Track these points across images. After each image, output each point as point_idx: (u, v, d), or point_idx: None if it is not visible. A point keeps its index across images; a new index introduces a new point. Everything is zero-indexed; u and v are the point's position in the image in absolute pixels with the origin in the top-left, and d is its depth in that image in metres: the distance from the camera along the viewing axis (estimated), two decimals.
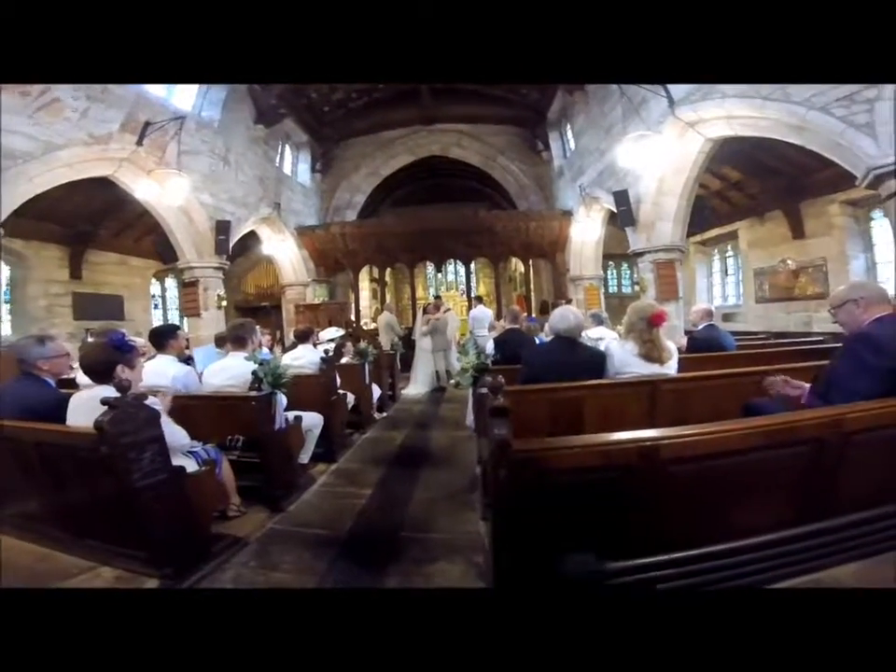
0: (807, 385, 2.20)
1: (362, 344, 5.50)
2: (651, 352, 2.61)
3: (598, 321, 4.67)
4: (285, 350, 5.79)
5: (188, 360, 3.64)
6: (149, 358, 3.13)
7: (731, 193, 9.64)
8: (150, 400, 2.09)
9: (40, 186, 5.44)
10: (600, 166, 8.94)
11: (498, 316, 8.85)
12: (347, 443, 4.46)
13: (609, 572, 1.59)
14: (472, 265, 13.52)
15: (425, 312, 7.91)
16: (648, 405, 2.63)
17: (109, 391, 1.96)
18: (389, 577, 2.16)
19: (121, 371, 2.12)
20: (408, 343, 8.34)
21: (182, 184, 6.63)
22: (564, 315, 2.82)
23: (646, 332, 2.63)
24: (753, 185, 9.05)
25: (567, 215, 10.82)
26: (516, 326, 4.49)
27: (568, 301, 10.44)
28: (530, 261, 12.65)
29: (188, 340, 4.95)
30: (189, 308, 8.11)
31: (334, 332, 6.22)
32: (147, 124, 6.49)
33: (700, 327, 4.32)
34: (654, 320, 2.60)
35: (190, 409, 2.88)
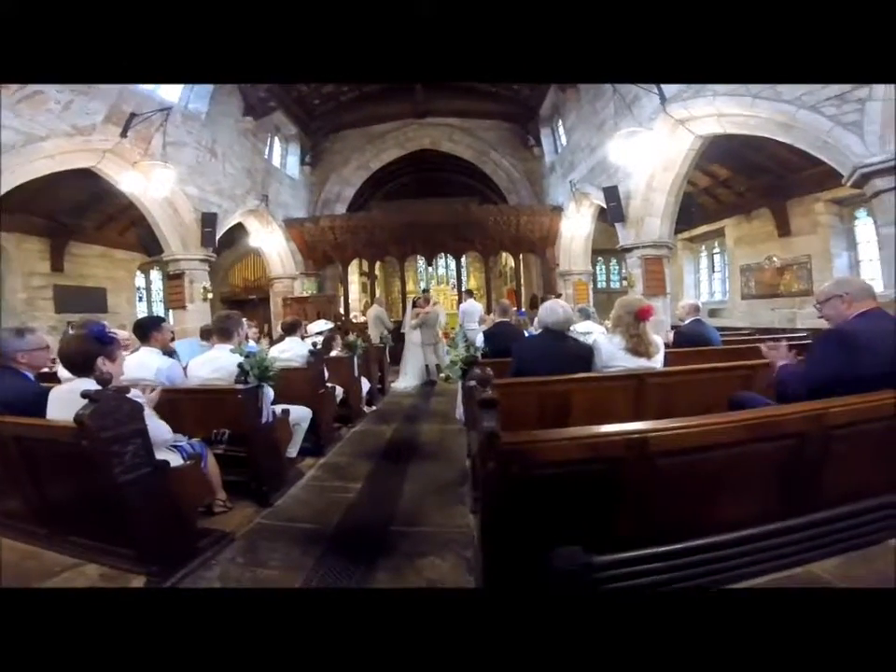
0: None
1: (351, 337, 5.47)
2: (638, 346, 2.64)
3: (586, 315, 4.69)
4: (273, 343, 5.74)
5: (173, 353, 3.58)
6: (133, 351, 3.08)
7: (719, 190, 9.74)
8: (133, 393, 2.05)
9: (20, 177, 5.33)
10: (591, 162, 8.96)
11: (489, 310, 8.86)
12: (336, 437, 4.43)
13: (596, 566, 1.60)
14: (463, 259, 13.49)
15: (414, 305, 7.89)
16: (634, 398, 2.64)
17: (90, 384, 1.92)
18: (379, 571, 2.14)
19: (102, 364, 2.08)
20: (398, 336, 8.31)
21: (168, 175, 6.52)
22: (553, 309, 2.83)
23: (633, 326, 2.65)
24: (741, 182, 9.14)
25: (558, 210, 10.85)
26: (506, 319, 4.50)
27: (558, 296, 10.49)
28: (520, 256, 12.68)
29: (173, 332, 4.87)
30: (175, 300, 8.01)
31: (323, 325, 6.16)
32: (133, 115, 6.38)
33: (687, 322, 4.37)
34: (641, 314, 2.62)
35: (175, 402, 2.84)
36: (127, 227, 9.98)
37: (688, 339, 4.15)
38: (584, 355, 2.79)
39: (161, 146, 6.86)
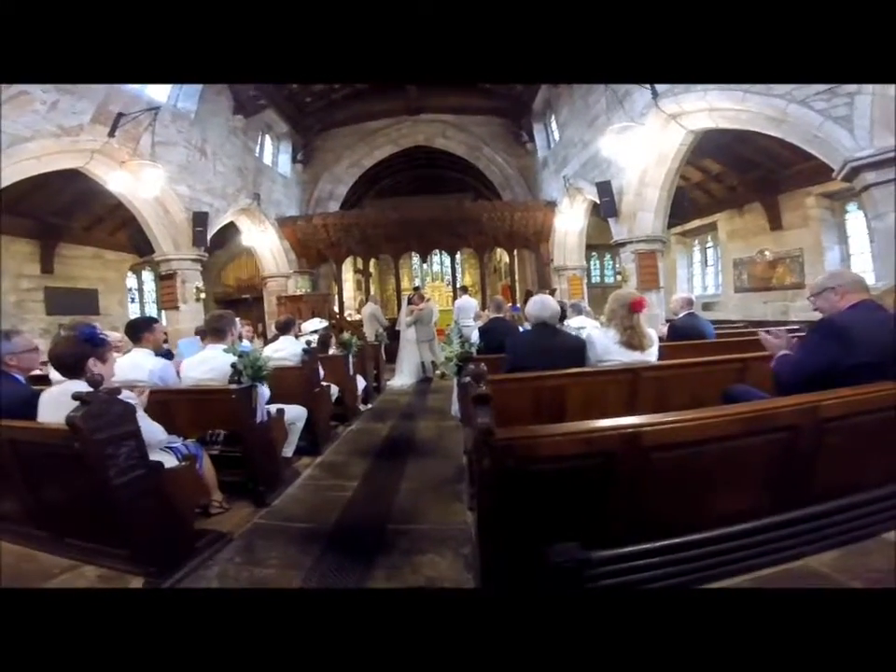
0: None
1: (346, 336, 5.45)
2: (632, 339, 2.65)
3: (578, 311, 4.70)
4: (267, 342, 5.71)
5: (166, 354, 3.55)
6: (126, 352, 3.05)
7: (711, 185, 9.79)
8: (125, 395, 2.03)
9: (6, 179, 5.25)
10: (584, 157, 8.97)
11: (483, 306, 8.86)
12: (332, 436, 4.42)
13: (593, 561, 1.60)
14: (458, 256, 13.48)
15: (409, 303, 7.88)
16: (629, 393, 2.66)
17: (81, 386, 1.90)
18: (377, 570, 2.14)
19: (93, 366, 2.06)
20: (393, 334, 8.30)
21: (157, 175, 6.46)
22: (543, 303, 2.85)
23: (627, 319, 2.67)
24: (733, 177, 9.19)
25: (551, 205, 10.85)
26: (500, 315, 4.51)
27: (552, 291, 10.51)
28: (515, 252, 12.68)
29: (166, 333, 4.84)
30: (167, 301, 7.95)
31: (317, 324, 6.13)
32: (120, 115, 6.30)
33: (680, 315, 4.38)
34: (635, 306, 2.64)
35: (169, 403, 2.82)
36: (117, 227, 9.90)
37: (682, 332, 4.16)
38: (577, 348, 2.81)
39: (149, 145, 6.79)
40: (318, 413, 3.97)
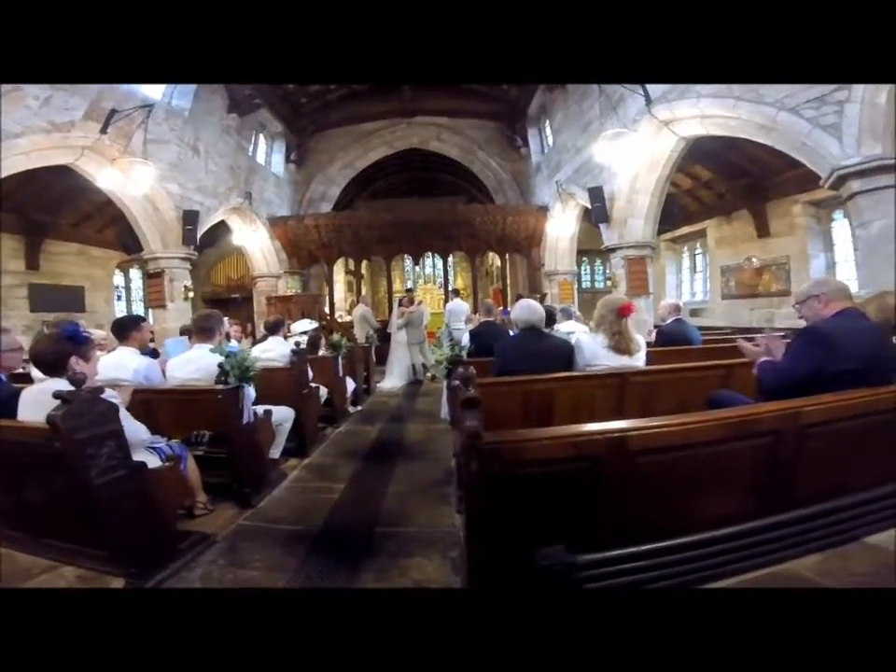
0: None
1: (336, 337, 5.42)
2: (620, 343, 2.68)
3: (568, 315, 4.72)
4: (256, 342, 5.67)
5: (152, 353, 3.50)
6: (110, 351, 3.01)
7: (701, 192, 9.92)
8: (108, 394, 2.00)
9: None
10: (577, 163, 9.03)
11: (475, 310, 8.88)
12: (320, 438, 4.39)
13: (579, 565, 1.61)
14: (450, 259, 13.50)
15: (400, 305, 7.86)
16: (616, 397, 2.68)
17: (62, 385, 1.87)
18: (364, 572, 2.12)
19: (75, 364, 2.02)
20: (384, 336, 8.27)
21: (148, 172, 6.41)
22: (530, 308, 2.89)
23: (615, 324, 2.70)
24: (722, 184, 9.32)
25: (543, 210, 10.92)
26: (491, 319, 4.53)
27: (543, 296, 10.57)
28: (506, 256, 12.73)
29: (152, 332, 4.78)
30: (155, 300, 7.87)
31: (307, 325, 6.09)
32: (113, 112, 6.24)
33: (668, 321, 4.43)
34: (623, 311, 2.68)
35: (154, 403, 2.79)
36: (105, 224, 9.78)
37: (669, 338, 4.21)
38: (564, 351, 2.84)
39: (141, 142, 6.74)
40: (306, 414, 3.94)
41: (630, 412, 2.51)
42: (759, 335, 2.50)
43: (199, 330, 3.14)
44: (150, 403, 2.73)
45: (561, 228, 10.34)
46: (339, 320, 11.07)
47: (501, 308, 8.94)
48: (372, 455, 4.04)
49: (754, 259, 9.28)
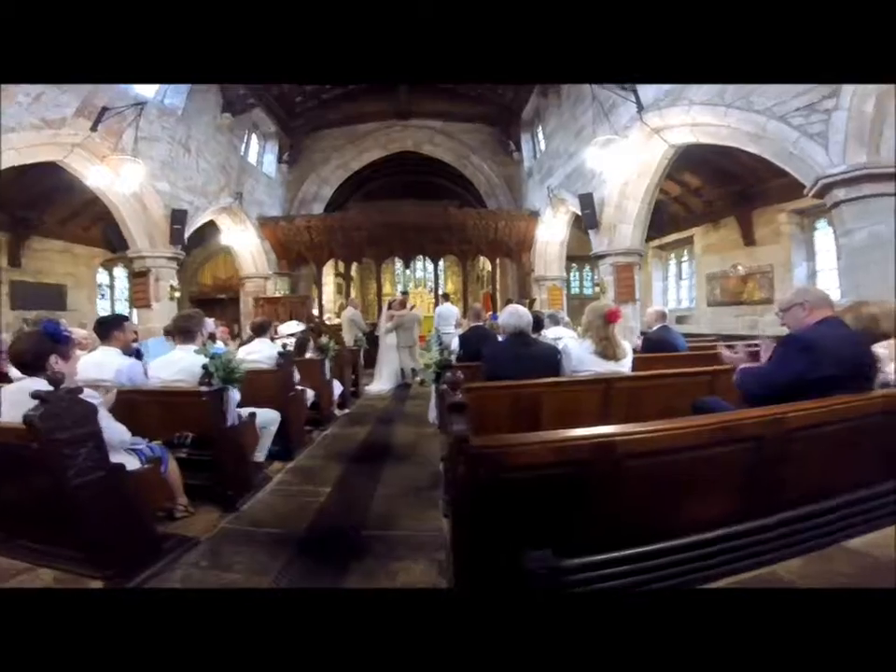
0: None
1: (323, 339, 5.39)
2: (607, 349, 2.71)
3: (556, 321, 4.75)
4: (242, 344, 5.61)
5: (136, 353, 3.44)
6: (92, 350, 2.95)
7: (689, 199, 10.04)
8: (87, 394, 1.96)
9: None
10: (568, 168, 9.11)
11: (465, 314, 8.89)
12: (306, 441, 4.35)
13: (566, 569, 1.61)
14: (441, 262, 13.52)
15: (389, 307, 7.84)
16: (603, 402, 2.70)
17: (40, 384, 1.83)
18: (350, 575, 2.11)
19: (55, 363, 1.98)
20: (372, 339, 8.24)
21: (137, 171, 6.35)
22: (517, 313, 2.91)
23: (602, 330, 2.73)
24: (710, 192, 9.45)
25: (534, 215, 11.00)
26: (480, 323, 4.54)
27: (532, 301, 10.63)
28: (497, 260, 12.77)
29: (136, 332, 4.69)
30: (139, 299, 7.75)
31: (295, 327, 6.06)
32: (105, 110, 6.17)
33: (654, 328, 4.48)
34: (610, 317, 2.71)
35: (136, 404, 2.74)
36: (92, 222, 9.61)
37: (655, 345, 4.26)
38: (551, 357, 2.86)
39: (132, 140, 6.67)
40: (292, 417, 3.90)
41: (616, 417, 2.53)
42: (739, 343, 2.55)
43: (179, 331, 3.10)
44: (132, 404, 2.68)
45: (551, 233, 10.41)
46: (328, 322, 11.00)
47: (491, 313, 8.97)
48: (359, 457, 4.01)
49: (740, 267, 9.42)
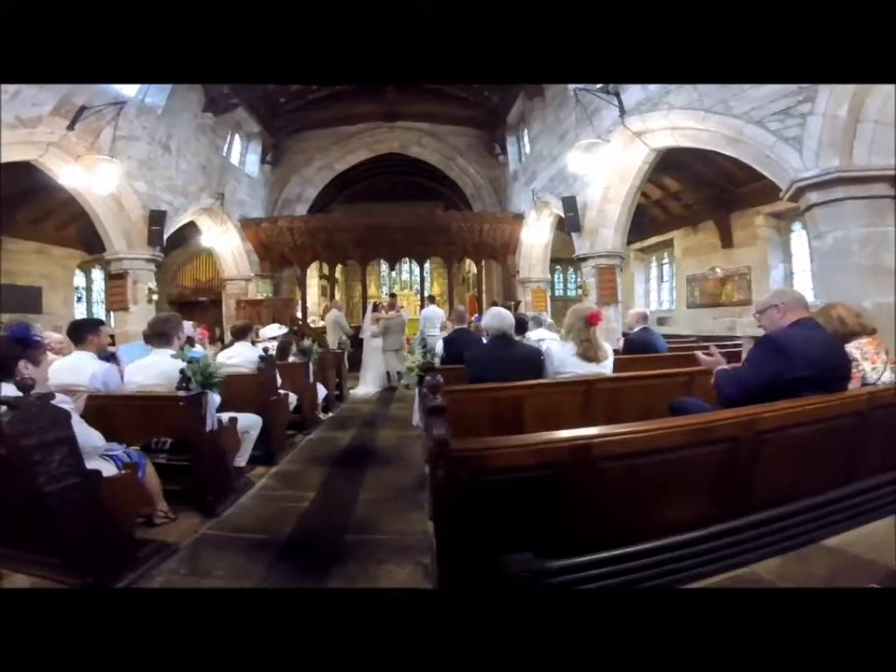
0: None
1: (306, 343, 5.34)
2: (588, 351, 2.74)
3: (539, 323, 4.78)
4: (224, 347, 5.53)
5: (111, 357, 3.36)
6: (67, 355, 2.88)
7: (669, 203, 10.23)
8: (59, 399, 1.91)
9: None
10: (552, 171, 9.18)
11: (451, 317, 8.90)
12: (289, 445, 4.30)
13: (547, 571, 1.62)
14: (427, 265, 13.51)
15: (374, 309, 7.80)
16: (583, 404, 2.73)
17: (9, 389, 1.78)
18: (333, 580, 2.09)
19: (24, 368, 1.93)
20: (357, 341, 8.19)
21: (113, 170, 6.20)
22: (500, 316, 2.93)
23: (584, 331, 2.76)
24: (690, 195, 9.64)
25: (519, 218, 11.06)
26: (464, 326, 4.55)
27: (517, 303, 10.68)
28: (482, 263, 12.82)
29: (112, 336, 4.59)
30: (116, 302, 7.56)
31: (276, 330, 5.98)
32: (83, 108, 6.02)
33: (635, 329, 4.55)
34: (591, 319, 2.75)
35: (111, 409, 2.68)
36: (66, 222, 9.39)
37: (636, 346, 4.32)
38: (534, 359, 2.89)
39: (110, 140, 6.53)
40: (274, 421, 3.86)
41: (597, 418, 2.56)
42: (712, 345, 2.60)
43: (155, 335, 3.03)
44: (108, 409, 2.62)
45: (536, 236, 10.49)
46: (312, 325, 10.90)
47: (476, 315, 8.98)
48: (343, 461, 3.99)
49: (718, 269, 9.63)
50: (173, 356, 2.80)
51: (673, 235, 10.92)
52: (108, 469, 2.20)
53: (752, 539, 1.91)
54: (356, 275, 15.40)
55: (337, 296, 12.37)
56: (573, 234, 8.06)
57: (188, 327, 3.69)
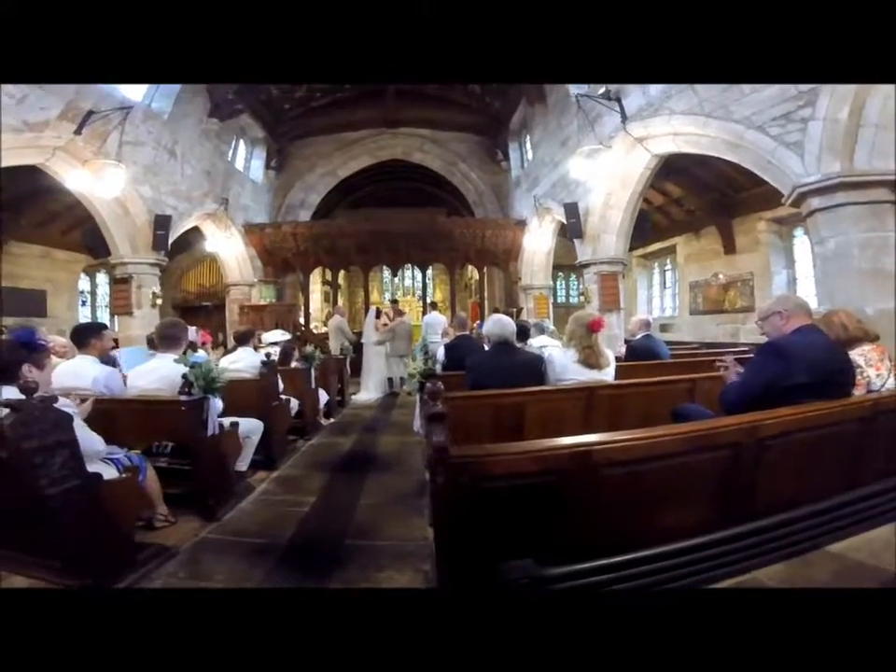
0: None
1: (309, 348, 5.35)
2: (590, 357, 2.73)
3: (541, 330, 4.76)
4: (227, 352, 5.55)
5: (113, 361, 3.38)
6: (70, 358, 2.90)
7: (672, 209, 10.22)
8: (62, 403, 1.92)
9: None
10: (554, 177, 9.19)
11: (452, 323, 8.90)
12: (290, 450, 4.31)
13: (548, 578, 1.61)
14: (429, 271, 13.53)
15: (378, 316, 7.80)
16: (585, 411, 2.72)
17: (12, 392, 1.79)
18: (332, 585, 2.09)
19: (28, 372, 1.94)
20: (358, 347, 8.20)
21: (119, 175, 6.24)
22: (501, 323, 2.94)
23: (585, 338, 2.76)
24: (692, 201, 9.62)
25: (521, 224, 11.07)
26: (466, 332, 4.56)
27: (519, 310, 10.68)
28: (485, 269, 12.83)
29: (116, 340, 4.60)
30: (120, 306, 7.58)
31: (279, 335, 5.99)
32: (90, 113, 6.07)
33: (638, 336, 4.54)
34: (593, 326, 2.74)
35: (114, 413, 2.69)
36: (72, 226, 9.44)
37: (638, 353, 4.31)
38: (535, 366, 2.88)
39: (116, 144, 6.57)
40: (275, 426, 3.87)
41: (598, 425, 2.55)
42: (731, 357, 2.57)
43: (164, 338, 3.05)
44: (110, 413, 2.64)
45: (538, 242, 10.49)
46: (314, 331, 10.91)
47: (478, 322, 8.99)
48: (344, 466, 3.99)
49: (720, 276, 9.59)
50: (175, 360, 2.81)
51: (675, 241, 10.90)
52: (109, 473, 2.22)
53: (755, 545, 1.89)
54: (358, 281, 15.41)
55: (340, 302, 12.39)
56: (575, 241, 8.05)
57: (190, 332, 3.71)
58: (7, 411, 1.73)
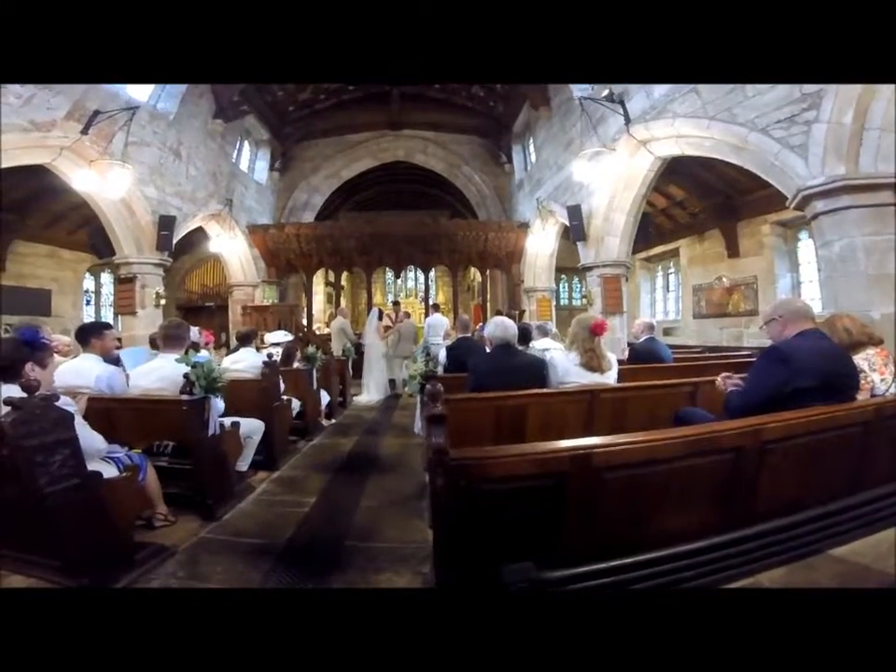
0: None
1: (311, 349, 5.36)
2: (592, 360, 2.72)
3: (544, 332, 4.74)
4: (229, 352, 5.56)
5: (116, 360, 3.39)
6: (73, 357, 2.91)
7: (675, 211, 10.19)
8: (63, 401, 1.93)
9: None
10: (557, 180, 9.20)
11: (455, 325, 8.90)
12: (291, 451, 4.31)
13: (547, 581, 1.60)
14: (431, 273, 13.53)
15: (380, 317, 7.81)
16: (587, 413, 2.70)
17: (14, 390, 1.79)
18: (331, 586, 2.08)
19: (30, 370, 1.95)
20: (361, 348, 8.21)
21: (124, 175, 6.28)
22: (503, 325, 2.93)
23: (588, 341, 2.75)
24: (695, 204, 9.59)
25: (524, 227, 11.07)
26: (467, 335, 4.55)
27: (522, 312, 10.67)
28: (487, 271, 12.83)
29: (119, 339, 4.62)
30: (124, 306, 7.61)
31: (281, 336, 6.00)
32: (97, 113, 6.12)
33: (641, 339, 4.52)
34: (595, 329, 2.73)
35: (115, 412, 2.70)
36: (77, 226, 9.51)
37: (641, 356, 4.30)
38: (537, 368, 2.87)
39: (122, 145, 6.62)
40: (276, 427, 3.86)
41: (600, 428, 2.54)
42: (736, 376, 2.55)
43: (168, 338, 3.06)
44: (111, 412, 2.64)
45: (540, 245, 10.49)
46: (317, 332, 10.93)
47: (480, 324, 8.98)
48: (345, 468, 3.98)
49: (724, 279, 9.54)
50: (177, 360, 2.81)
51: (679, 244, 10.85)
52: (109, 471, 2.22)
53: (757, 548, 1.89)
54: (361, 283, 15.44)
55: (342, 303, 12.39)
56: (578, 243, 8.04)
57: (193, 332, 3.72)
58: (8, 409, 1.74)
